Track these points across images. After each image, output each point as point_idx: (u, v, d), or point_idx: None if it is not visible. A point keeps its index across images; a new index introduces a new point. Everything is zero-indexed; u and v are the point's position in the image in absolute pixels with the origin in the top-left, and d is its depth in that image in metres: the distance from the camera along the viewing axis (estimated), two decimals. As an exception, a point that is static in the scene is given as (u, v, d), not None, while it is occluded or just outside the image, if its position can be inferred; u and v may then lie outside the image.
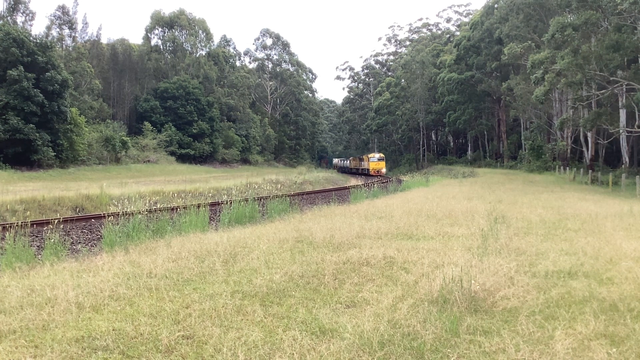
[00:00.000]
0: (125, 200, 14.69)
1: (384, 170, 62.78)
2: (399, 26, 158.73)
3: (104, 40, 67.46)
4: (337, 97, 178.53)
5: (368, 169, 63.49)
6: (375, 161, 63.65)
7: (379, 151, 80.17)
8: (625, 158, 35.33)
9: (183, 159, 61.98)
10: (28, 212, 14.69)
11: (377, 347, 3.74)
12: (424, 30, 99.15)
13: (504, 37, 46.73)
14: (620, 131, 32.09)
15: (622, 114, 32.29)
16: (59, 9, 56.00)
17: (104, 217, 11.04)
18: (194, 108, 65.04)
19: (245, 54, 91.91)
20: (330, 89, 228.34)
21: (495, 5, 54.08)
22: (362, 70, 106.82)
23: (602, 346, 3.75)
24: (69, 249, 8.87)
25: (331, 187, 36.44)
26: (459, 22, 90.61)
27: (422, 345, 3.77)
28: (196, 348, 3.87)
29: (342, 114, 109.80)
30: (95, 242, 10.46)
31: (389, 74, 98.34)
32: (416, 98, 73.32)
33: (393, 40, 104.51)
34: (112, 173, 43.13)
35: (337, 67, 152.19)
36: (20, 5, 49.40)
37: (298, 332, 4.07)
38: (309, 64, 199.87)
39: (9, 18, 47.77)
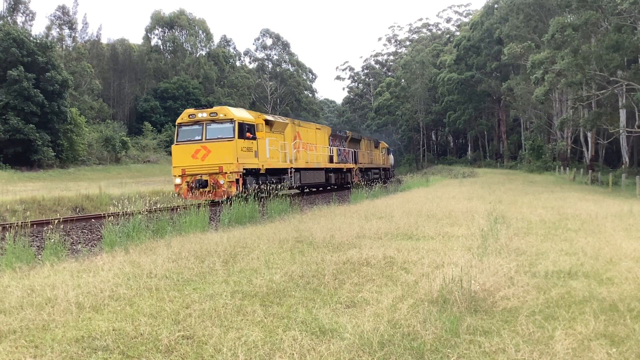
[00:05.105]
0: (125, 200, 14.65)
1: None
2: (399, 26, 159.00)
3: (104, 40, 67.65)
4: (337, 97, 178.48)
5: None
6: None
7: None
8: (625, 158, 35.34)
9: (183, 159, 61.82)
10: (28, 212, 14.67)
11: (377, 347, 3.74)
12: (424, 30, 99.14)
13: (504, 37, 46.75)
14: (620, 131, 32.11)
15: (622, 114, 32.31)
16: (59, 9, 56.08)
17: (104, 217, 11.04)
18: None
19: (245, 54, 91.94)
20: (330, 89, 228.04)
21: (495, 6, 54.10)
22: (362, 71, 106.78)
23: (602, 346, 3.75)
24: (69, 249, 8.87)
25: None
26: (459, 22, 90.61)
27: (422, 345, 3.77)
28: (196, 348, 3.87)
29: (342, 114, 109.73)
30: (95, 242, 10.46)
31: (389, 74, 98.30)
32: (416, 98, 73.32)
33: (393, 41, 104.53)
34: (112, 173, 43.17)
35: (337, 67, 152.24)
36: (20, 5, 49.42)
37: (298, 332, 4.07)
38: (309, 64, 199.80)
39: (9, 18, 47.78)
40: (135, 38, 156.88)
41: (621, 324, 4.22)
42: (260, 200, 14.76)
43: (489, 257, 6.57)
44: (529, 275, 5.83)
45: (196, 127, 17.42)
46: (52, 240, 8.06)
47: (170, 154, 32.87)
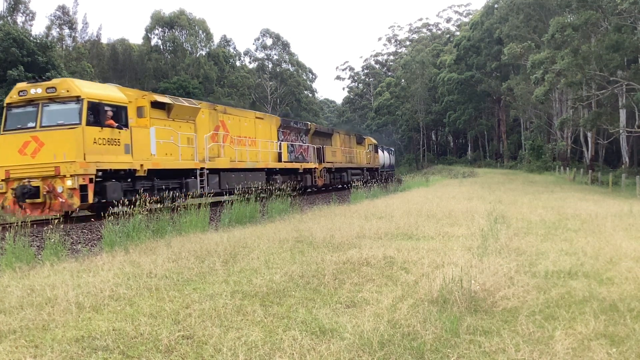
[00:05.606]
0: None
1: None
2: (399, 26, 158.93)
3: (104, 40, 67.55)
4: (337, 97, 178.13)
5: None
6: None
7: None
8: (625, 158, 35.37)
9: (183, 159, 61.79)
10: (28, 212, 14.65)
11: (377, 347, 3.74)
12: (424, 30, 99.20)
13: (504, 37, 46.78)
14: (620, 131, 32.13)
15: (622, 114, 32.34)
16: (59, 9, 56.03)
17: (104, 217, 11.03)
18: (194, 108, 65.00)
19: (245, 54, 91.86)
20: (330, 89, 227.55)
21: (495, 5, 54.12)
22: (362, 70, 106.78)
23: (602, 346, 3.75)
24: (69, 249, 8.87)
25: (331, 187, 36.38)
26: (459, 22, 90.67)
27: (422, 345, 3.77)
28: (196, 348, 3.87)
29: (342, 114, 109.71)
30: (95, 242, 10.45)
31: (389, 74, 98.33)
32: (416, 98, 73.37)
33: (393, 40, 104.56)
34: (112, 173, 43.13)
35: (337, 67, 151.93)
36: (20, 5, 49.41)
37: (298, 332, 4.07)
38: (309, 64, 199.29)
39: (9, 18, 47.79)
40: (135, 38, 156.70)
41: (621, 324, 4.22)
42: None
43: (489, 257, 6.57)
44: (529, 275, 5.83)
45: (30, 108, 12.24)
46: (52, 240, 8.06)
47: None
